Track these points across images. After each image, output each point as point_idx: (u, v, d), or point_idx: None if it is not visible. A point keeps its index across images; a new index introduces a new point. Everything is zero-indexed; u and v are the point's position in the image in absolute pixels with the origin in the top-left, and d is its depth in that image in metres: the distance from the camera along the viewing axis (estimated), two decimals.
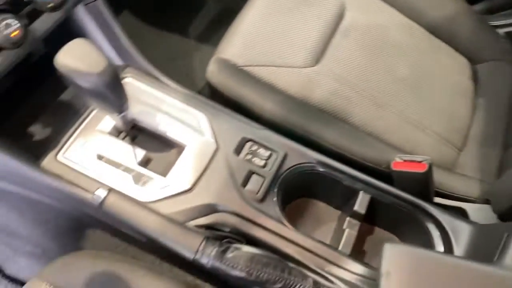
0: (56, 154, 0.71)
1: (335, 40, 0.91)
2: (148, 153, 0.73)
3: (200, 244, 0.58)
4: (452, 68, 0.96)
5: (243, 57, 0.85)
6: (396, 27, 0.96)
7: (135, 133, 0.75)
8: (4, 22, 0.63)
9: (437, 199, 0.76)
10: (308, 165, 0.72)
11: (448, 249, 0.66)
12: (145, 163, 0.73)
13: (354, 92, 0.85)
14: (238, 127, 0.74)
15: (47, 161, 0.71)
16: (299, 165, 0.72)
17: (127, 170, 0.70)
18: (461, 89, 0.94)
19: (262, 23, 0.90)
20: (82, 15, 0.77)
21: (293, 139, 0.74)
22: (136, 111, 0.74)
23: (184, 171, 0.70)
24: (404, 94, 0.88)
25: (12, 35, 0.64)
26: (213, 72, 0.84)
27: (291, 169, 0.72)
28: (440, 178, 0.77)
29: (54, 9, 0.70)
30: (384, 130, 0.83)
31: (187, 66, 1.23)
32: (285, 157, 0.72)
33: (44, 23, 0.70)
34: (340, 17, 0.94)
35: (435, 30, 1.00)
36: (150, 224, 0.59)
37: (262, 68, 0.84)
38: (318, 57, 0.88)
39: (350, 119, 0.83)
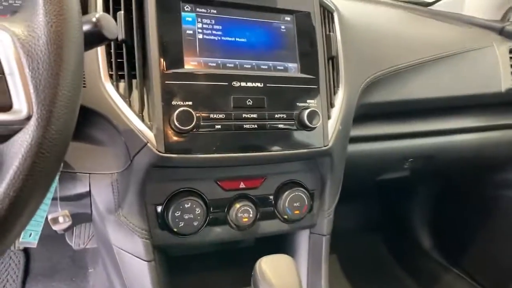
0: None
1: None
2: None
3: None
4: None
5: None
6: None
7: None
8: (244, 208, 0.71)
9: None
10: None
11: None
12: None
13: None
14: None
15: None
16: None
17: None
18: None
19: None
20: (301, 238, 0.80)
21: None
22: None
23: None
24: None
25: (243, 219, 0.71)
26: None
27: None
28: None
29: (283, 220, 0.75)
30: None
31: None
32: None
33: (270, 227, 0.75)
34: None
35: None
36: None
37: None
38: None
39: None
